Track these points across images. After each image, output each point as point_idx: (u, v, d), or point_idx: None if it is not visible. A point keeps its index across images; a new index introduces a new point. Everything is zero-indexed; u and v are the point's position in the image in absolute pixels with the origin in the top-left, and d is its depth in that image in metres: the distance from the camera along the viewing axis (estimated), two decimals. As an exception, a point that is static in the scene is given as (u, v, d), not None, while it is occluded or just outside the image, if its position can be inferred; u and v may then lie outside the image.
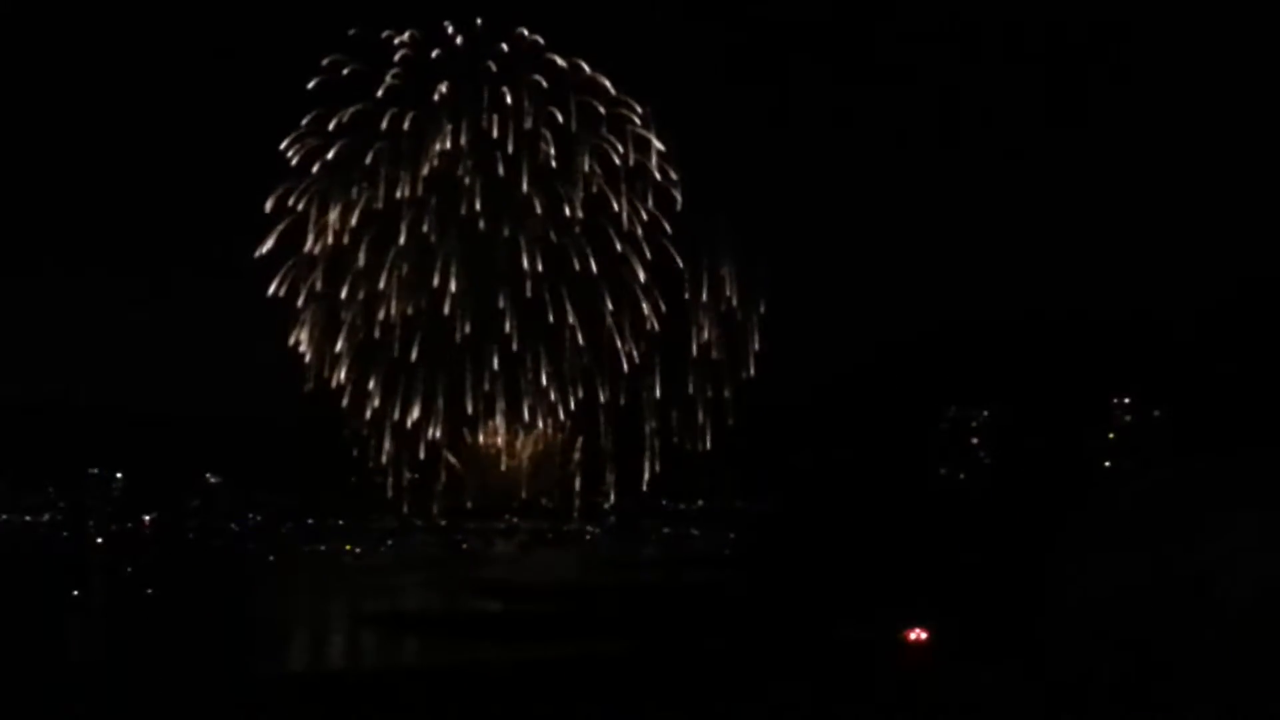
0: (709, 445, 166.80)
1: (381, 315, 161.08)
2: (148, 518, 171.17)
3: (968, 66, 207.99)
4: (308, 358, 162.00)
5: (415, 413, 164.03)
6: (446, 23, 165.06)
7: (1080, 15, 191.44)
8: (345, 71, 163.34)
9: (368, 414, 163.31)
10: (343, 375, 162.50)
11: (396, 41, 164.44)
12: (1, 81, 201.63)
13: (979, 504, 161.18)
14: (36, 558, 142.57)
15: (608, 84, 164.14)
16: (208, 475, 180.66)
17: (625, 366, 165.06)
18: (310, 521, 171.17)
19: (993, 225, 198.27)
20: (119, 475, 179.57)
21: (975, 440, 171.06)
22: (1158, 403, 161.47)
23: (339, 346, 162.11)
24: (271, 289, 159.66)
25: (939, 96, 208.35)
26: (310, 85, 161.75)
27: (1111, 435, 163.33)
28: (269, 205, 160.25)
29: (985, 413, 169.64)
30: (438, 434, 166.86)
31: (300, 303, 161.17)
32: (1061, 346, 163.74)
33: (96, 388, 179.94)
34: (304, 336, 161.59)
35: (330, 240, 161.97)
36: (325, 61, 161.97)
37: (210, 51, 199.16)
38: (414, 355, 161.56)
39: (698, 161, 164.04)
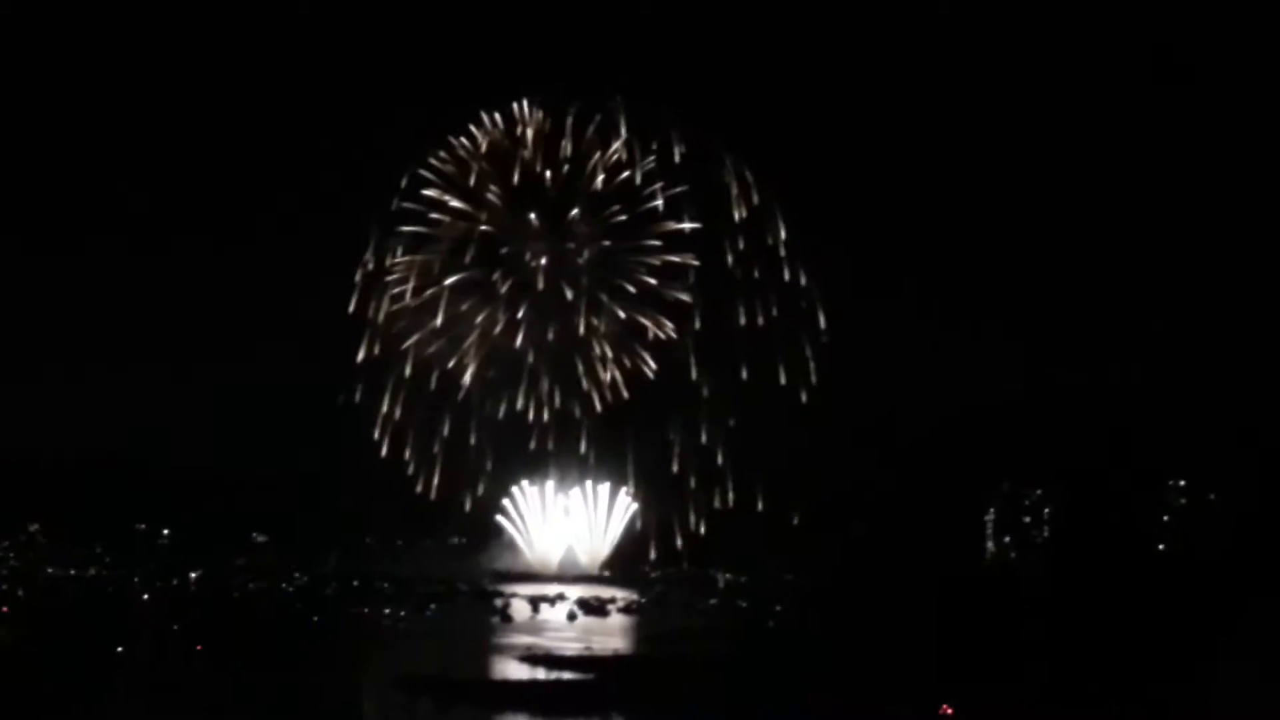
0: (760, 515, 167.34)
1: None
2: (194, 575, 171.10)
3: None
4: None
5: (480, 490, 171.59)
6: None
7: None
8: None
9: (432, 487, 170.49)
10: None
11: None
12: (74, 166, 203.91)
13: (1029, 583, 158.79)
14: (81, 613, 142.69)
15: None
16: (254, 534, 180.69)
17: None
18: (355, 584, 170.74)
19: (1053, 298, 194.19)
20: (165, 532, 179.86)
21: (1028, 519, 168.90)
22: (1213, 486, 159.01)
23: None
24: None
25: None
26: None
27: (1166, 518, 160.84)
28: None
29: (1039, 491, 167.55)
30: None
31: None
32: (1118, 424, 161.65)
33: (145, 445, 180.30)
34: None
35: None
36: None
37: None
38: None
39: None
